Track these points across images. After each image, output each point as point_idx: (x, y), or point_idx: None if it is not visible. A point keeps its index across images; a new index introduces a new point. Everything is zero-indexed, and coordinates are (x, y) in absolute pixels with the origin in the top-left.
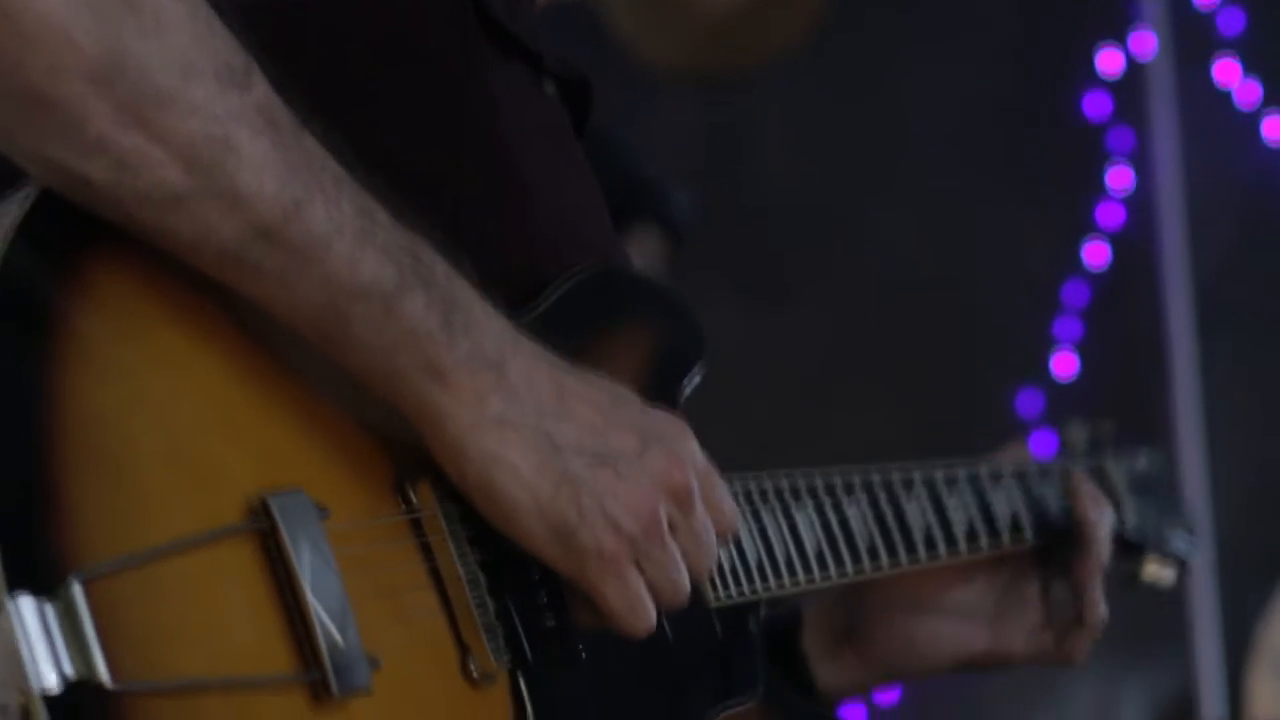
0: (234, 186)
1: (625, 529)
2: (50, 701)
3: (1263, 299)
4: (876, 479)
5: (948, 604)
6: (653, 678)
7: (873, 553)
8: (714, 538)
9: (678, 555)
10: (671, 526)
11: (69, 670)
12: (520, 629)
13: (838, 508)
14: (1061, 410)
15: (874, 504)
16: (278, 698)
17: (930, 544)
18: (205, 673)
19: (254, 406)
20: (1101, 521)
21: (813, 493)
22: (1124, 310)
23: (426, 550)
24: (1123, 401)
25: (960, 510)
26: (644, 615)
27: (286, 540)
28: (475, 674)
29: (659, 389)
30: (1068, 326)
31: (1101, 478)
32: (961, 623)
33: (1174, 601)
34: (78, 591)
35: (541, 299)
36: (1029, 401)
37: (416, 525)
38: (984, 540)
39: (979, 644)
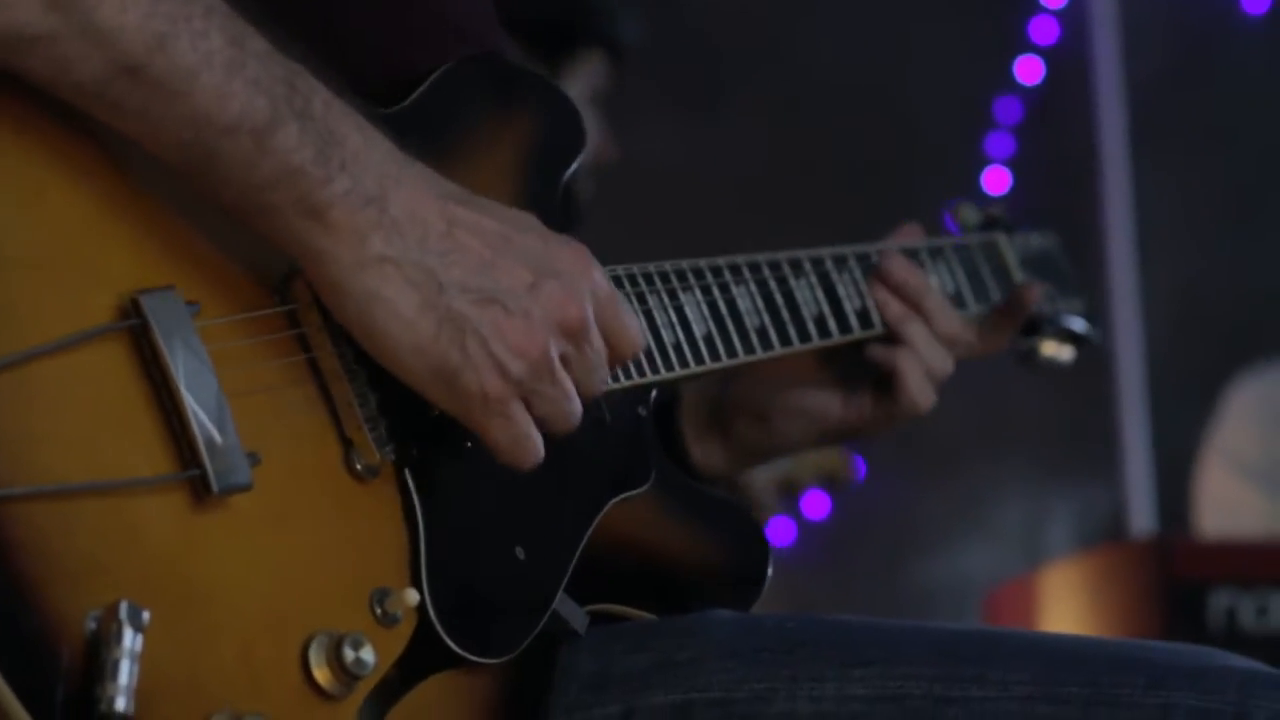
0: (94, 23)
1: (512, 371)
2: None
3: (1195, 114)
4: (764, 262)
5: (805, 380)
6: (543, 467)
7: (763, 336)
8: (606, 364)
9: (569, 387)
10: (564, 360)
11: None
12: (404, 421)
13: (725, 291)
14: None
15: (762, 287)
16: (157, 498)
17: (821, 326)
18: (82, 476)
19: (125, 213)
20: (900, 314)
21: (700, 277)
22: (1056, 126)
23: (303, 344)
24: (1054, 216)
25: (851, 288)
26: (530, 451)
27: (158, 336)
28: (359, 467)
29: (540, 179)
30: (1000, 142)
31: (993, 255)
32: (818, 396)
33: (1103, 416)
34: None
35: (417, 91)
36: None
37: (292, 319)
38: (876, 320)
39: (834, 416)
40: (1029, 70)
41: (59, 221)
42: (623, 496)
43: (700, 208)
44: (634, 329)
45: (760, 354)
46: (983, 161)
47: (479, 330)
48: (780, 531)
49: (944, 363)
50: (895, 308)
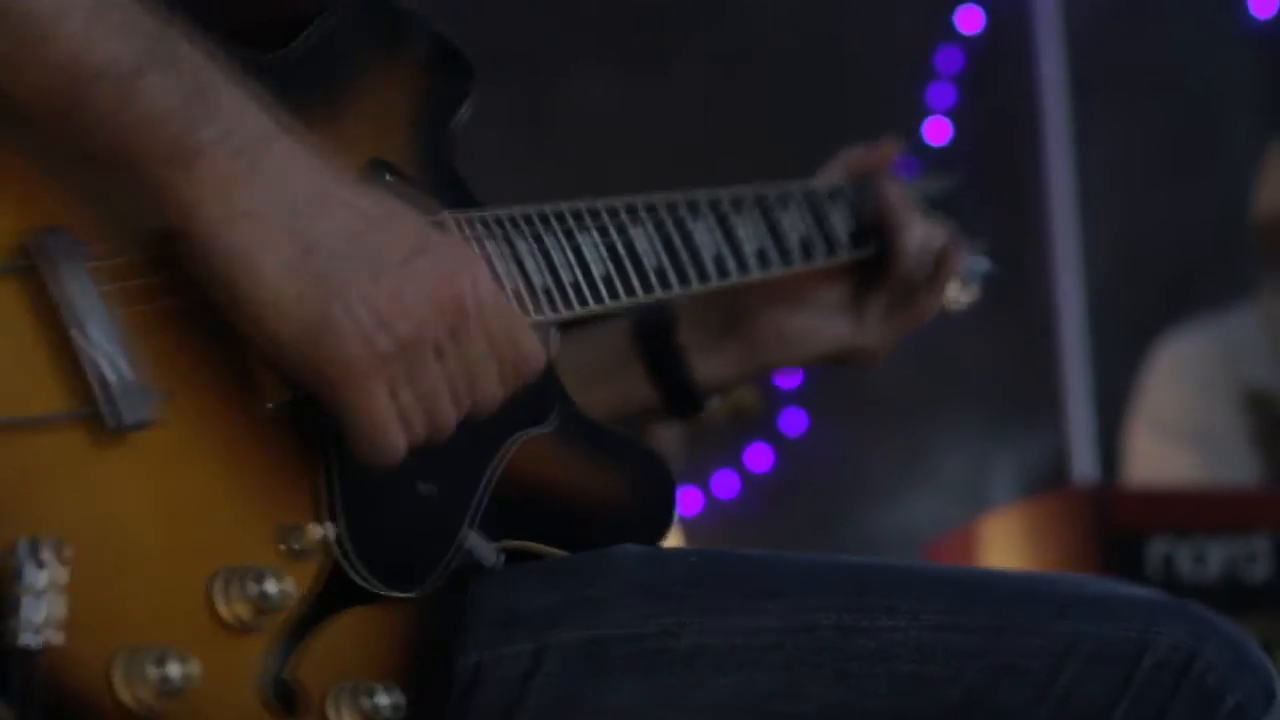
0: None
1: (379, 343)
2: None
3: (1136, 64)
4: (661, 203)
5: (819, 300)
6: None
7: (661, 276)
8: (496, 376)
9: (441, 385)
10: (438, 352)
11: None
12: None
13: (623, 232)
14: None
15: (660, 227)
16: (58, 437)
17: (720, 266)
18: None
19: (6, 155)
20: (901, 225)
21: (596, 218)
22: (997, 76)
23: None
24: (996, 167)
25: (750, 229)
26: (386, 442)
27: (49, 277)
28: (267, 405)
29: (430, 123)
30: (941, 92)
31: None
32: (830, 317)
33: (1045, 367)
34: None
35: (301, 38)
36: (902, 168)
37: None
38: (775, 261)
39: (845, 336)
40: (969, 20)
41: None
42: (526, 434)
43: (640, 160)
44: (532, 344)
45: (659, 294)
46: (924, 112)
47: (345, 295)
48: (724, 483)
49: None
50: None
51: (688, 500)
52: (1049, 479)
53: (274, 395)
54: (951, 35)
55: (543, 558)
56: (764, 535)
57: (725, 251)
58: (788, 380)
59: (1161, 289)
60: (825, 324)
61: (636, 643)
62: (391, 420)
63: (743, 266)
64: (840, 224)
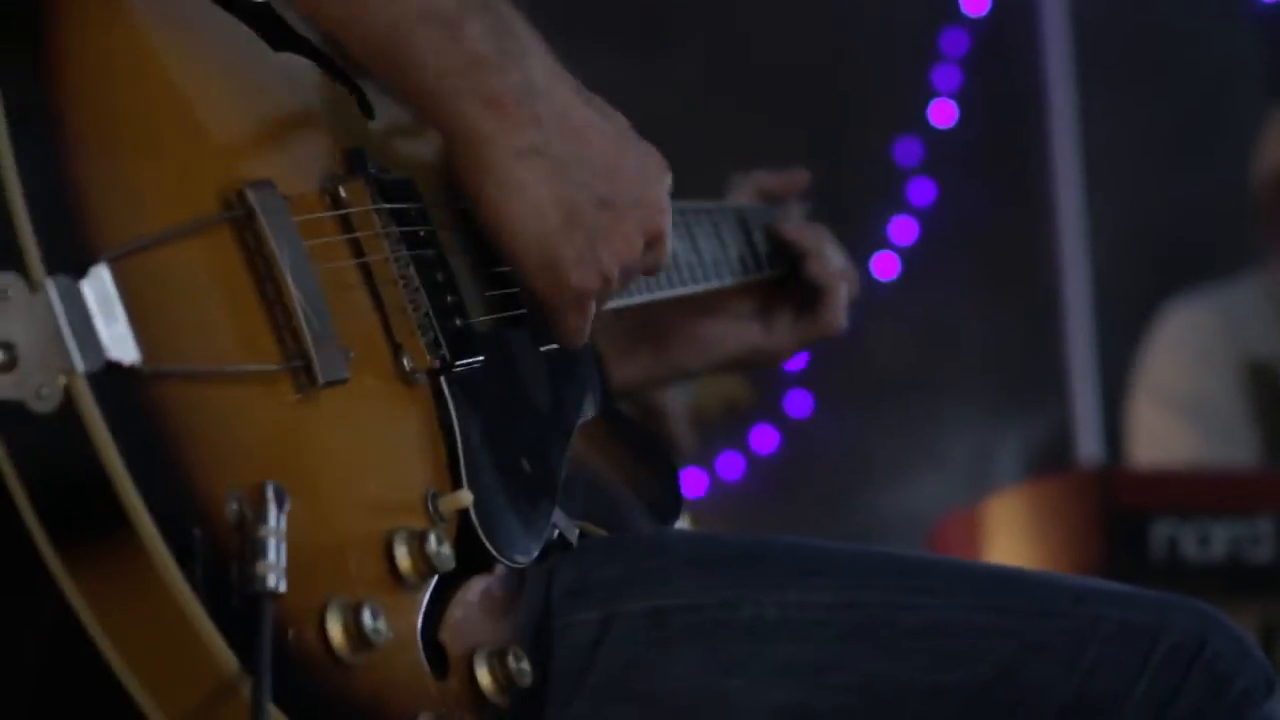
0: None
1: (608, 274)
2: (91, 380)
3: (1141, 45)
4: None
5: (731, 309)
6: (534, 386)
7: (691, 271)
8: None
9: (629, 286)
10: (638, 266)
11: (108, 351)
12: (440, 330)
13: None
14: (940, 159)
15: (688, 229)
16: (269, 387)
17: (692, 274)
18: (205, 362)
19: (209, 108)
20: (812, 250)
21: None
22: (1003, 58)
23: (357, 247)
24: (1001, 149)
25: (706, 242)
26: (582, 337)
27: (266, 228)
28: (407, 371)
29: None
30: (946, 75)
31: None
32: (741, 323)
33: (1050, 347)
34: (106, 274)
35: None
36: (907, 150)
37: (347, 222)
38: (751, 267)
39: (755, 341)
40: (975, 2)
41: (166, 115)
42: (585, 419)
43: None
44: (669, 247)
45: (631, 299)
46: (929, 94)
47: (593, 230)
48: (729, 465)
49: (848, 286)
50: (812, 264)
51: (693, 482)
52: (1054, 460)
53: (416, 361)
54: (957, 17)
55: (590, 537)
56: (769, 517)
57: (693, 260)
58: (793, 362)
59: (1166, 269)
60: (736, 330)
61: (697, 613)
62: (588, 326)
63: (706, 275)
64: (761, 243)
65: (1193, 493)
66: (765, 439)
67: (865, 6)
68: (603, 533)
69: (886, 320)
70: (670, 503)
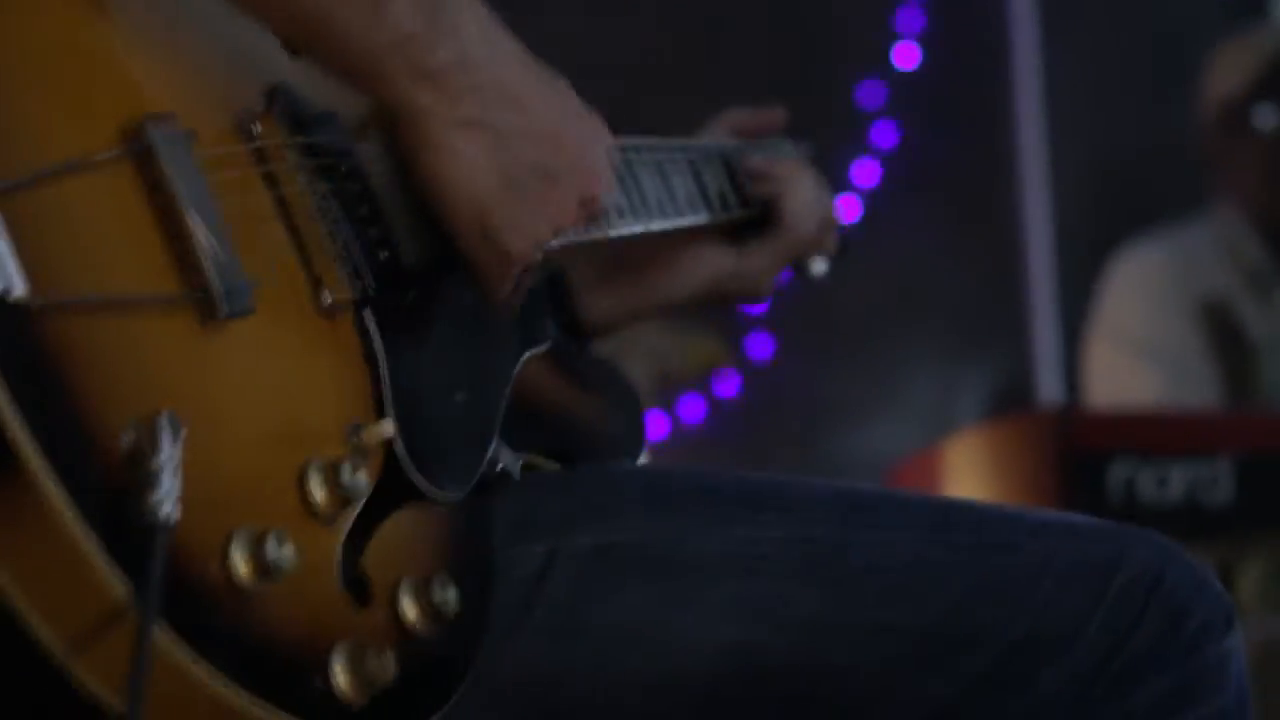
0: None
1: (540, 239)
2: None
3: None
4: (643, 145)
5: (703, 237)
6: (474, 318)
7: (618, 212)
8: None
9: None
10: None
11: None
12: (361, 262)
13: (630, 167)
14: (903, 102)
15: (659, 167)
16: (168, 320)
17: (662, 209)
18: (101, 291)
19: (112, 43)
20: (788, 190)
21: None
22: (967, 2)
23: (271, 180)
24: (964, 92)
25: (680, 179)
26: (513, 298)
27: (165, 162)
28: (328, 304)
29: None
30: (910, 18)
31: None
32: (715, 251)
33: (1012, 289)
34: None
35: None
36: (870, 93)
37: (260, 155)
38: (733, 203)
39: (729, 265)
40: None
41: (61, 49)
42: (533, 351)
43: (609, 88)
44: (606, 202)
45: (613, 231)
46: (892, 37)
47: (528, 198)
48: (690, 408)
49: (820, 203)
50: (767, 187)
51: (655, 425)
52: (1015, 402)
53: (336, 294)
54: None
55: (541, 470)
56: (731, 460)
57: (665, 197)
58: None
59: (1129, 212)
60: (711, 255)
61: (644, 549)
62: (521, 287)
63: (709, 207)
64: (742, 180)
65: (1150, 434)
66: (727, 382)
67: None
68: (555, 466)
69: (848, 263)
70: (632, 438)
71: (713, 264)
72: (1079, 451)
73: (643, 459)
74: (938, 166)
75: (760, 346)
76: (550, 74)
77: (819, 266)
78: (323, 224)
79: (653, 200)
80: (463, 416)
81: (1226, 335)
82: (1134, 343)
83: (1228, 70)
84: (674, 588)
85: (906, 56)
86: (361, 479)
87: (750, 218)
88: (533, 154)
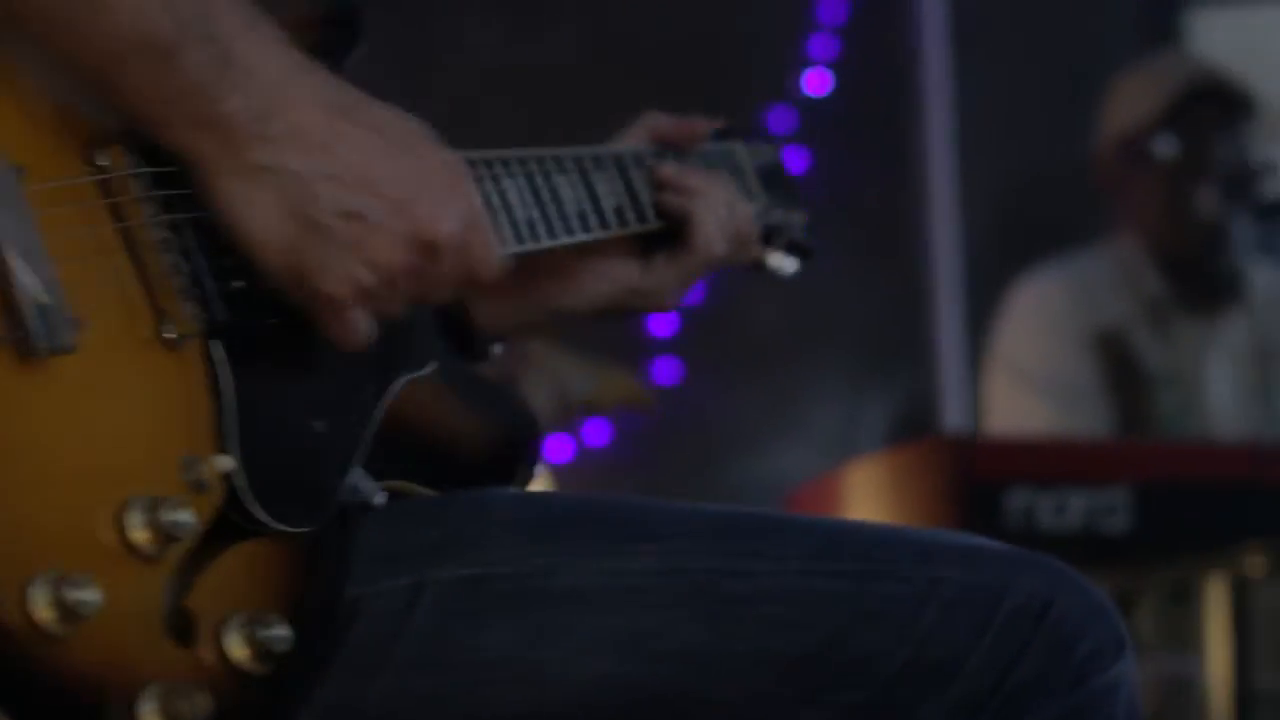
0: None
1: (362, 283)
2: None
3: (1018, 18)
4: (531, 157)
5: (608, 245)
6: (339, 350)
7: (531, 228)
8: (451, 284)
9: (407, 297)
10: (413, 272)
11: None
12: (211, 291)
13: (497, 182)
14: (813, 128)
15: (530, 180)
16: None
17: (583, 221)
18: None
19: None
20: (698, 207)
21: (472, 168)
22: (879, 28)
23: (117, 212)
24: (875, 119)
25: (607, 188)
26: (357, 342)
27: None
28: (170, 336)
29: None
30: (822, 44)
31: (730, 163)
32: (620, 263)
33: (920, 314)
34: None
35: None
36: (781, 118)
37: (106, 187)
38: (631, 218)
39: (632, 279)
40: None
41: None
42: (410, 377)
43: (520, 106)
44: (493, 257)
45: (527, 246)
46: (804, 63)
47: (340, 242)
48: (595, 432)
49: (730, 226)
50: (675, 200)
51: (559, 447)
52: (920, 428)
53: (178, 327)
54: None
55: (416, 498)
56: (635, 483)
57: (587, 208)
58: (661, 329)
59: (1039, 240)
60: (613, 269)
61: (512, 581)
62: (362, 328)
63: (603, 223)
64: (645, 192)
65: (1049, 462)
66: None
67: None
68: (429, 493)
69: (756, 287)
70: (522, 463)
71: (614, 279)
72: (977, 479)
73: (539, 484)
74: (847, 193)
75: (667, 370)
76: (390, 120)
77: (787, 265)
78: (169, 255)
79: (521, 219)
80: (319, 446)
81: (1122, 366)
82: (1029, 375)
83: (1130, 100)
84: (545, 620)
85: (817, 83)
86: (185, 516)
87: (655, 230)
88: (339, 197)
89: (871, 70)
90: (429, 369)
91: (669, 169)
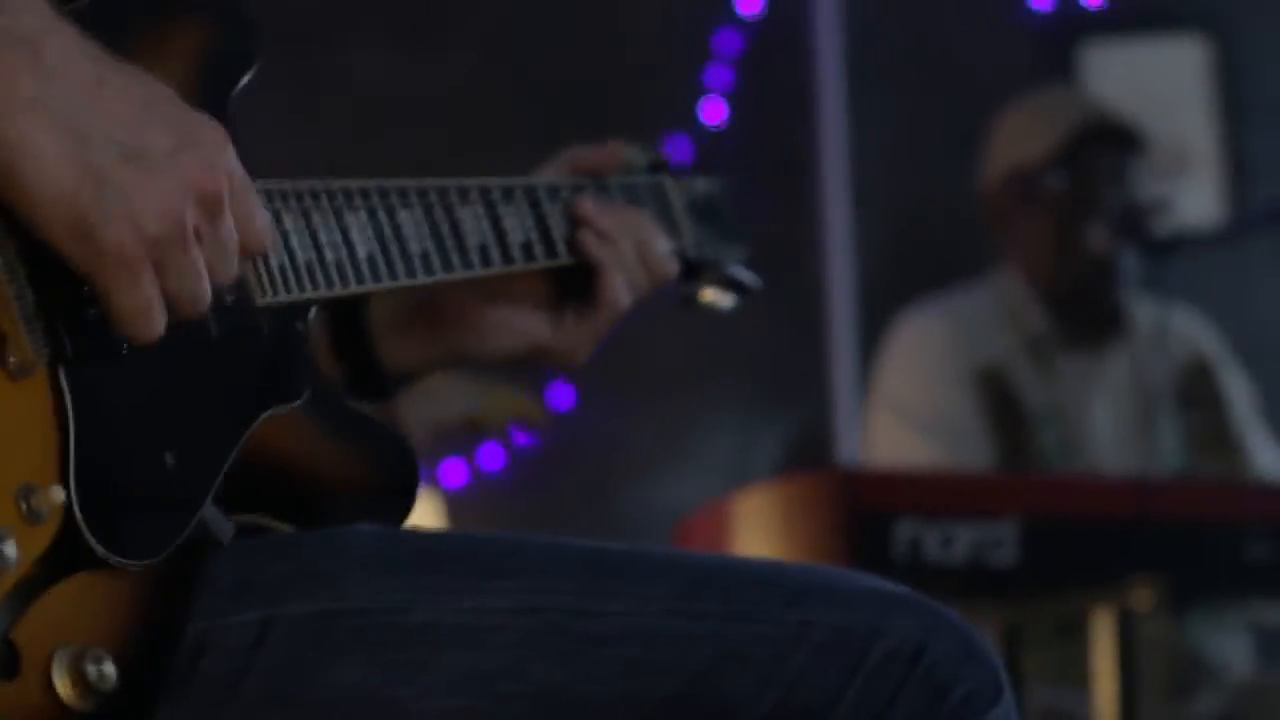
0: None
1: (148, 231)
2: None
3: (915, 51)
4: (432, 187)
5: (516, 294)
6: (198, 375)
7: (425, 260)
8: (237, 251)
9: (200, 265)
10: (197, 234)
11: None
12: (59, 320)
13: (392, 215)
14: (709, 157)
15: (428, 211)
16: None
17: (485, 255)
18: None
19: None
20: (607, 257)
21: (367, 199)
22: (776, 59)
23: None
24: (771, 149)
25: (515, 222)
26: (152, 322)
27: None
28: (12, 365)
29: (209, 89)
30: (718, 74)
31: (659, 197)
32: (526, 314)
33: (814, 346)
34: None
35: None
36: (677, 147)
37: None
38: (539, 254)
39: (541, 336)
40: (749, 2)
41: None
42: (275, 409)
43: (414, 136)
44: (264, 218)
45: (421, 279)
46: (700, 92)
47: (119, 186)
48: (490, 457)
49: (641, 276)
50: (590, 239)
51: (452, 472)
52: (814, 459)
53: (19, 355)
54: (730, 17)
55: (275, 532)
56: (528, 509)
57: (490, 241)
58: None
59: (933, 273)
60: (520, 320)
61: (365, 617)
62: (154, 304)
63: (506, 258)
64: (558, 226)
65: (936, 495)
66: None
67: (640, 4)
68: (287, 528)
69: (652, 315)
70: (396, 496)
71: (523, 334)
72: (865, 510)
73: (428, 511)
74: (743, 222)
75: (562, 396)
76: (147, 77)
77: (721, 301)
78: (14, 283)
79: (415, 251)
80: (168, 479)
81: (1003, 403)
82: (911, 413)
83: (1020, 135)
84: (397, 657)
85: (714, 112)
86: (8, 550)
87: (565, 266)
88: (114, 136)
89: (767, 101)
90: (298, 402)
91: (587, 205)
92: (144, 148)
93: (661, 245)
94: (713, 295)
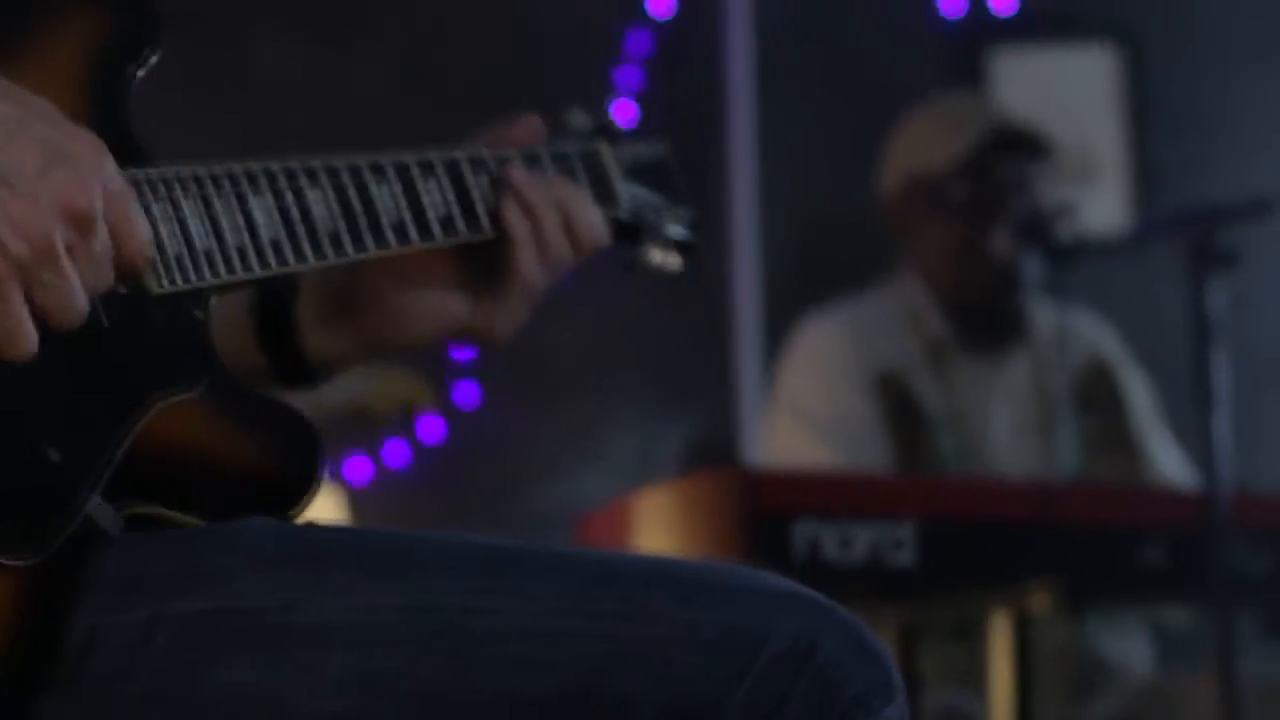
0: None
1: (12, 251)
2: None
3: (824, 55)
4: (343, 166)
5: (432, 276)
6: (86, 367)
7: (335, 240)
8: (111, 262)
9: (74, 279)
10: (69, 250)
11: None
12: None
13: (299, 196)
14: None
15: (339, 191)
16: None
17: (401, 231)
18: None
19: None
20: (521, 234)
21: (271, 180)
22: (686, 61)
23: None
24: (679, 150)
25: (436, 197)
26: (24, 340)
27: None
28: None
29: (106, 74)
30: (628, 75)
31: (593, 163)
32: (444, 295)
33: (719, 346)
34: None
35: None
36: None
37: None
38: (461, 227)
39: (461, 317)
40: (660, 4)
41: None
42: (168, 398)
43: (325, 134)
44: (142, 230)
45: (332, 259)
46: (608, 93)
47: None
48: (394, 453)
49: (565, 247)
50: (512, 211)
51: (357, 468)
52: (718, 459)
53: None
54: (641, 18)
55: (174, 526)
56: (433, 506)
57: (408, 218)
58: (461, 353)
59: (840, 276)
60: (438, 302)
61: (254, 616)
62: (24, 321)
63: (425, 234)
64: (482, 200)
65: (836, 496)
66: (432, 428)
67: (550, 4)
68: (191, 521)
69: (557, 314)
70: (301, 484)
71: (441, 316)
72: (765, 510)
73: (329, 505)
74: (687, 184)
75: (467, 394)
76: (20, 90)
77: (669, 262)
78: None
79: (324, 230)
80: (51, 474)
81: (902, 408)
82: (810, 416)
83: (923, 141)
84: (285, 658)
85: (624, 113)
86: None
87: (481, 243)
88: None
89: (676, 102)
90: (195, 389)
91: (518, 174)
92: (10, 170)
93: (589, 214)
94: (659, 258)
